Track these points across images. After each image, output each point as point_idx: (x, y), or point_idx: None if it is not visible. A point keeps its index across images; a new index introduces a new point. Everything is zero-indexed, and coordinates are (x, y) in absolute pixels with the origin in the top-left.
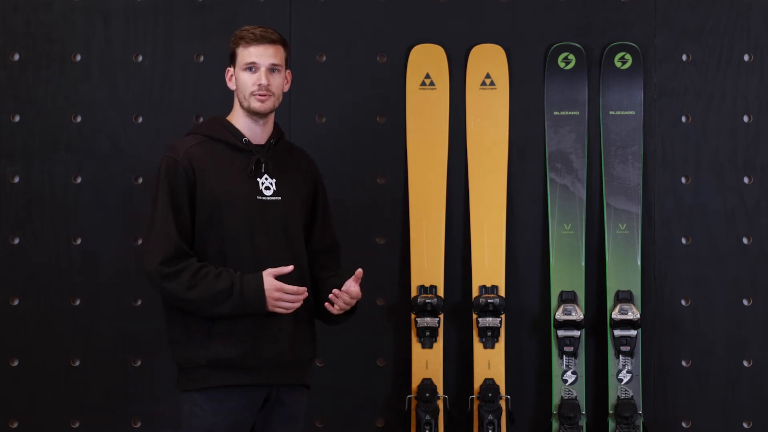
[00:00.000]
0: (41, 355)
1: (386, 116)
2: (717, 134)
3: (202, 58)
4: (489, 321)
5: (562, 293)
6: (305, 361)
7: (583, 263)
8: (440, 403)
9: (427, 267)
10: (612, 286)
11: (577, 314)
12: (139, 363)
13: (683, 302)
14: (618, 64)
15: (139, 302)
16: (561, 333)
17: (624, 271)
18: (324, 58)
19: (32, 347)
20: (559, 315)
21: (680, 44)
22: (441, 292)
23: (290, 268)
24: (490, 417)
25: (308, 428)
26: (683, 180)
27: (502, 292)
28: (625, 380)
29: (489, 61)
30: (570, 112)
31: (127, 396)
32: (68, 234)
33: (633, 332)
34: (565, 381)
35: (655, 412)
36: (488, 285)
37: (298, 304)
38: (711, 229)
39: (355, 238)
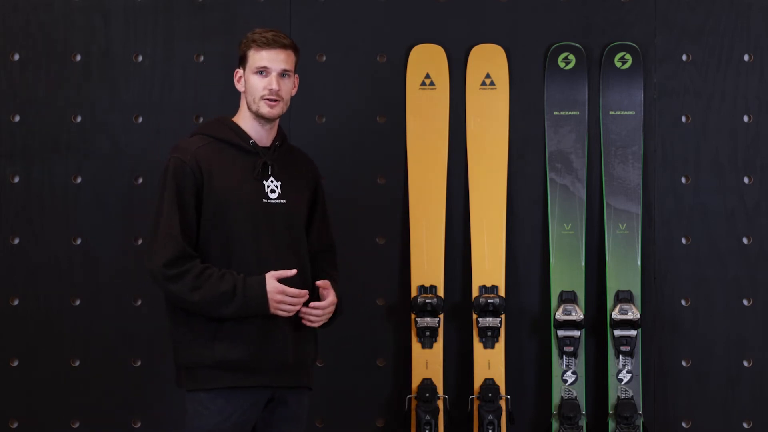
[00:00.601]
0: (41, 355)
1: (386, 116)
2: (717, 134)
3: (202, 58)
4: (489, 321)
5: (562, 293)
6: (307, 363)
7: (583, 263)
8: (440, 403)
9: (427, 267)
10: (612, 286)
11: (577, 314)
12: (139, 363)
13: (683, 302)
14: (618, 64)
15: (139, 302)
16: (561, 333)
17: (624, 271)
18: (324, 58)
19: (32, 347)
20: (559, 315)
21: (680, 44)
22: (441, 292)
23: (293, 271)
24: (490, 417)
25: (308, 428)
26: (683, 180)
27: (502, 292)
28: (625, 380)
29: (489, 61)
30: (570, 112)
31: (127, 396)
32: (68, 234)
33: (633, 332)
34: (565, 381)
35: (655, 412)
36: (488, 285)
37: (299, 307)
38: (711, 229)
39: (355, 238)
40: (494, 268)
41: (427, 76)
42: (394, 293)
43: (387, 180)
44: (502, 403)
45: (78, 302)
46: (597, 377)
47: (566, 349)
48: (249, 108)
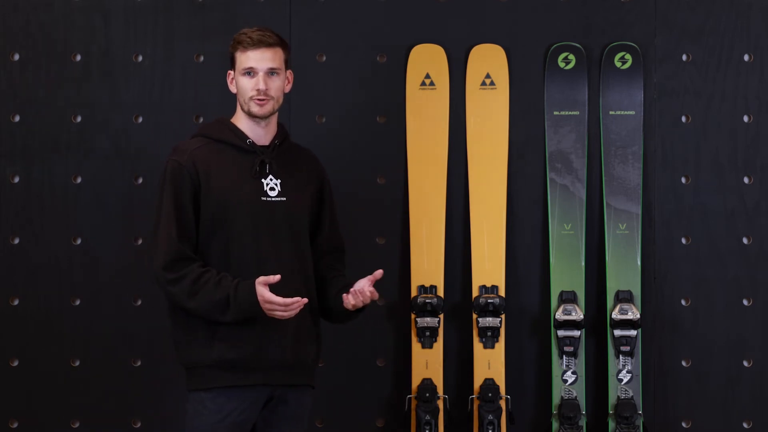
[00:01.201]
0: (41, 355)
1: (386, 116)
2: (717, 134)
3: (202, 58)
4: (489, 321)
5: (562, 293)
6: (309, 362)
7: (583, 263)
8: (440, 403)
9: (427, 267)
10: (612, 286)
11: (577, 314)
12: (139, 363)
13: (683, 302)
14: (618, 64)
15: (139, 302)
16: (561, 333)
17: (624, 271)
18: (324, 58)
19: (32, 347)
20: (559, 315)
21: (680, 44)
22: (441, 292)
23: (277, 277)
24: (490, 417)
25: (308, 428)
26: (683, 180)
27: (502, 292)
28: (625, 380)
29: (489, 61)
30: (570, 112)
31: (127, 396)
32: (68, 234)
33: (633, 332)
34: (565, 381)
35: (655, 412)
36: (488, 285)
37: (292, 313)
38: (711, 229)
39: (355, 238)
40: (494, 268)
41: (427, 76)
42: (394, 293)
43: (387, 180)
44: (502, 403)
45: (78, 302)
46: (597, 377)
47: (566, 349)
48: (242, 108)
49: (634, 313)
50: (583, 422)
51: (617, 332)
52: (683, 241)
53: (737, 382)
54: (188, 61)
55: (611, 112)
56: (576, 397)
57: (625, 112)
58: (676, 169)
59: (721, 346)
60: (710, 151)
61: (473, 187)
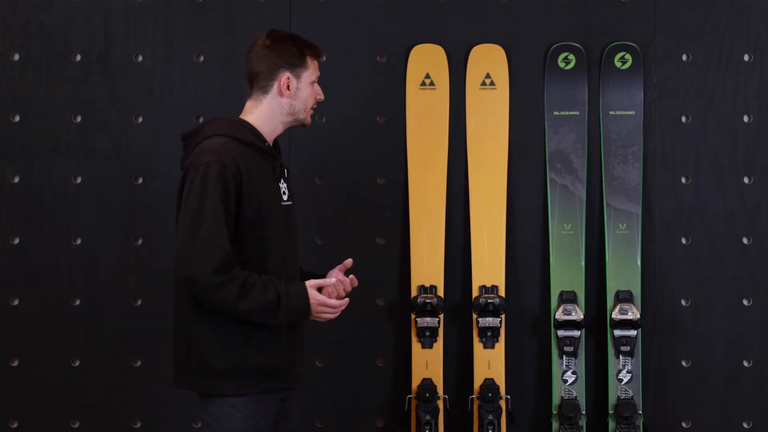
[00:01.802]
0: (41, 355)
1: (386, 116)
2: (717, 134)
3: (202, 58)
4: (489, 321)
5: (562, 293)
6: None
7: (583, 263)
8: (440, 403)
9: (427, 267)
10: (612, 286)
11: (577, 314)
12: (139, 363)
13: (683, 302)
14: (618, 64)
15: (139, 302)
16: (561, 333)
17: (624, 271)
18: (324, 58)
19: (32, 347)
20: (559, 315)
21: (680, 44)
22: (441, 292)
23: (332, 280)
24: (490, 417)
25: (308, 428)
26: (683, 180)
27: (502, 292)
28: (625, 380)
29: (489, 61)
30: (570, 112)
31: (127, 396)
32: (68, 234)
33: (633, 332)
34: (565, 381)
35: (655, 412)
36: (488, 285)
37: (338, 314)
38: (711, 229)
39: (355, 238)
40: (494, 268)
41: (427, 76)
42: (394, 293)
43: (387, 180)
44: (502, 403)
45: (78, 302)
46: (597, 377)
47: (566, 349)
48: (290, 114)
49: (634, 313)
50: (583, 422)
51: (617, 332)
52: (683, 241)
53: (737, 382)
54: (188, 61)
55: (611, 112)
56: (576, 397)
57: (625, 112)
58: (676, 169)
59: (721, 346)
60: (710, 151)
61: (473, 187)
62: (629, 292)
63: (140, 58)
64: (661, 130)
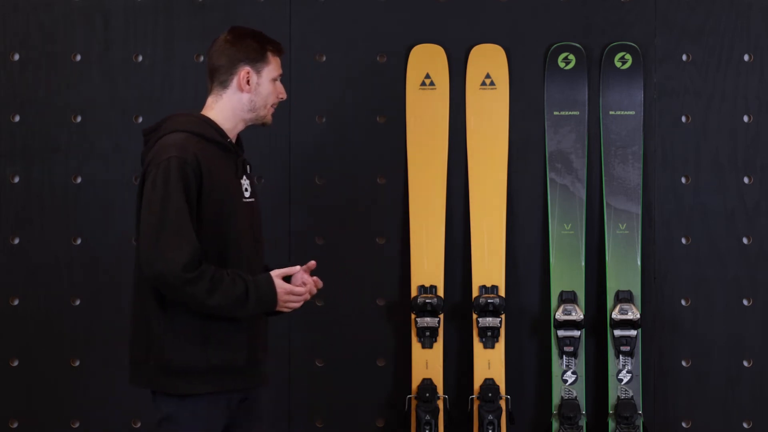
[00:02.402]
0: (41, 355)
1: (386, 116)
2: (717, 134)
3: (202, 58)
4: (489, 321)
5: (562, 293)
6: (266, 359)
7: (583, 263)
8: (440, 403)
9: (427, 267)
10: (612, 286)
11: (577, 314)
12: None
13: (683, 302)
14: (618, 64)
15: None
16: (561, 333)
17: (624, 271)
18: (324, 58)
19: (32, 347)
20: (559, 315)
21: (680, 44)
22: (441, 292)
23: (297, 268)
24: (490, 417)
25: (308, 428)
26: (683, 180)
27: (502, 292)
28: (625, 380)
29: (489, 61)
30: (570, 112)
31: (127, 396)
32: (68, 234)
33: (633, 332)
34: (565, 381)
35: (655, 412)
36: (488, 285)
37: (302, 303)
38: (711, 229)
39: (355, 238)
40: (494, 268)
41: (427, 76)
42: (394, 293)
43: (387, 180)
44: (502, 403)
45: (78, 302)
46: (597, 377)
47: (566, 349)
48: (251, 110)
49: (634, 313)
50: (583, 422)
51: (617, 332)
52: (683, 241)
53: (737, 382)
54: (188, 61)
55: (611, 112)
56: (576, 397)
57: (625, 112)
58: (676, 169)
59: (721, 346)
60: (710, 151)
61: (473, 187)
62: (629, 292)
63: (140, 58)
64: (661, 130)
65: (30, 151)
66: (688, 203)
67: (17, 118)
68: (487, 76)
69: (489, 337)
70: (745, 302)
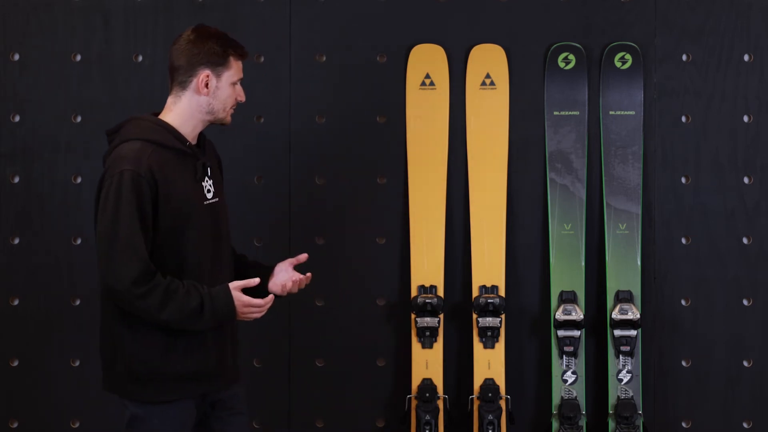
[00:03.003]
0: (41, 355)
1: (386, 116)
2: (717, 134)
3: None
4: (489, 321)
5: (562, 293)
6: (238, 360)
7: (583, 263)
8: (440, 403)
9: (427, 267)
10: (612, 286)
11: (577, 314)
12: None
13: (683, 302)
14: (618, 64)
15: None
16: (561, 333)
17: (624, 271)
18: (324, 58)
19: (32, 347)
20: (559, 315)
21: (680, 44)
22: (441, 292)
23: (256, 280)
24: (490, 417)
25: (308, 428)
26: (683, 180)
27: (502, 292)
28: (625, 380)
29: (489, 61)
30: (570, 112)
31: None
32: (68, 234)
33: (633, 332)
34: (565, 381)
35: (655, 412)
36: (488, 285)
37: (264, 313)
38: (711, 229)
39: (355, 238)
40: (494, 268)
41: (427, 76)
42: (394, 293)
43: (387, 180)
44: (502, 403)
45: (78, 302)
46: (597, 377)
47: (566, 349)
48: (209, 113)
49: (634, 313)
50: (583, 422)
51: (617, 332)
52: (683, 241)
53: (737, 382)
54: None
55: (611, 112)
56: (576, 397)
57: (625, 112)
58: (676, 169)
59: (721, 346)
60: (710, 151)
61: (473, 187)
62: (629, 292)
63: (140, 58)
64: (661, 130)
65: (30, 151)
66: (688, 203)
67: (17, 118)
68: (487, 76)
69: (489, 337)
70: (745, 302)
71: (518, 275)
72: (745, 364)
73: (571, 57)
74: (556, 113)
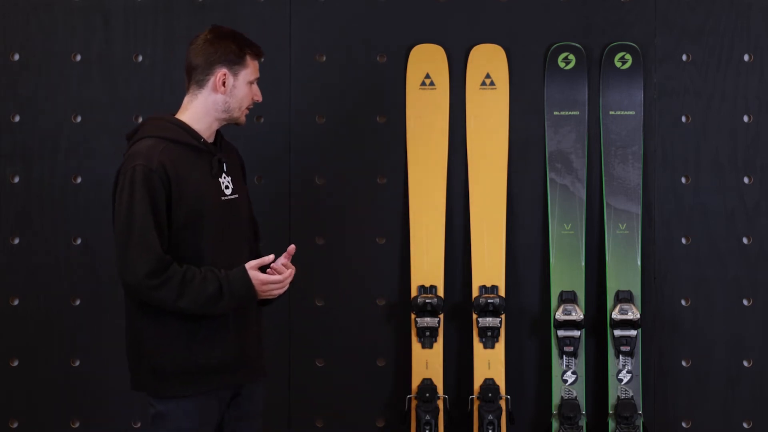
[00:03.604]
0: (41, 355)
1: (386, 116)
2: (717, 134)
3: None
4: (489, 321)
5: (562, 293)
6: (263, 354)
7: (583, 263)
8: (440, 403)
9: (427, 267)
10: (612, 286)
11: (577, 314)
12: None
13: (683, 302)
14: (618, 64)
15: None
16: (561, 333)
17: (624, 271)
18: (324, 58)
19: (32, 347)
20: (559, 315)
21: (680, 44)
22: (441, 292)
23: (271, 257)
24: (490, 417)
25: (308, 428)
26: (683, 180)
27: (502, 292)
28: (625, 380)
29: (489, 61)
30: (570, 112)
31: (127, 396)
32: (68, 234)
33: (633, 332)
34: (565, 381)
35: (655, 412)
36: (488, 285)
37: (287, 287)
38: (711, 229)
39: (355, 238)
40: (494, 268)
41: (427, 76)
42: (394, 293)
43: (387, 180)
44: (502, 403)
45: (78, 302)
46: (597, 377)
47: (566, 349)
48: (225, 111)
49: (634, 313)
50: (583, 422)
51: (617, 332)
52: (683, 241)
53: (737, 382)
54: None
55: (611, 112)
56: (576, 397)
57: (625, 112)
58: (676, 169)
59: (721, 346)
60: (710, 151)
61: (473, 187)
62: (629, 292)
63: (140, 58)
64: (661, 130)
65: (30, 151)
66: (688, 203)
67: (17, 118)
68: (487, 76)
69: (489, 337)
70: (745, 302)
71: (518, 275)
72: (745, 364)
73: (571, 57)
74: (556, 113)
